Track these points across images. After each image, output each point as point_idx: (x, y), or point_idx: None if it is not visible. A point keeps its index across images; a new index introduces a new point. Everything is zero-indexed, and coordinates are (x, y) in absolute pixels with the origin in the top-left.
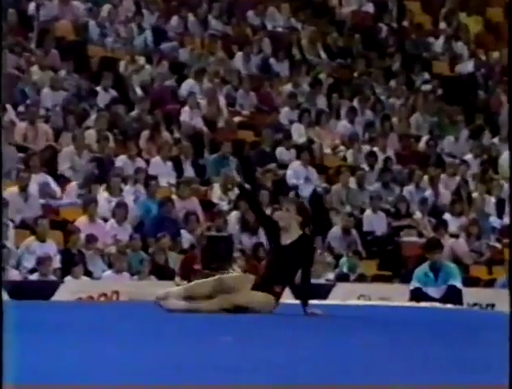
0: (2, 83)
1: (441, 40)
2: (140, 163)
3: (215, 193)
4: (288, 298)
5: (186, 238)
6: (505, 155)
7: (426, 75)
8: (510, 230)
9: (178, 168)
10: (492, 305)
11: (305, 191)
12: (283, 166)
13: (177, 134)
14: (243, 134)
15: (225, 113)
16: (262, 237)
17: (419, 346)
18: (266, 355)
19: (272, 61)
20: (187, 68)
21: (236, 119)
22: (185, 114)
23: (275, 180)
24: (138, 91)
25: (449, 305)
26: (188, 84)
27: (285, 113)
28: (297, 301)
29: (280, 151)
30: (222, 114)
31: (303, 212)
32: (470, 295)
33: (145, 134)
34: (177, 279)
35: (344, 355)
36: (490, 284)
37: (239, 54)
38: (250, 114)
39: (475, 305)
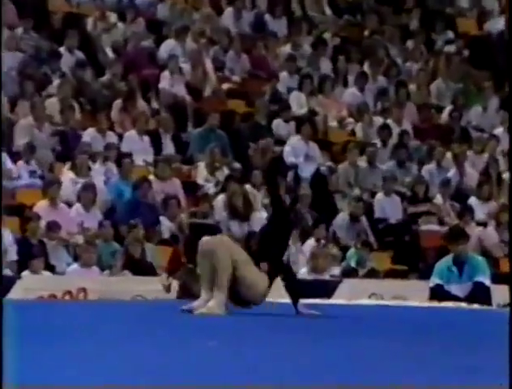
0: None
1: None
2: (111, 138)
3: (200, 173)
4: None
5: (166, 226)
6: None
7: (450, 34)
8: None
9: (156, 144)
10: None
11: (306, 171)
12: (281, 142)
13: (155, 104)
14: (233, 104)
15: (212, 79)
16: (255, 224)
17: (440, 354)
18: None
19: (268, 18)
20: (167, 26)
21: (226, 86)
22: (165, 81)
23: (271, 157)
24: (109, 53)
25: (475, 306)
26: (168, 45)
27: (283, 80)
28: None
29: (277, 124)
30: (208, 81)
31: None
32: (500, 294)
33: (117, 103)
34: (164, 275)
35: (344, 363)
36: None
37: (228, 10)
38: (242, 81)
39: (506, 305)
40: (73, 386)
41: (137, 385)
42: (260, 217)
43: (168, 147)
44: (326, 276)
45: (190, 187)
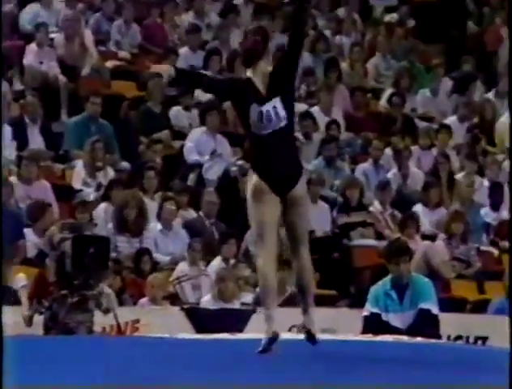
0: None
1: None
2: None
3: (77, 174)
4: None
5: (32, 242)
6: (504, 117)
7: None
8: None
9: (20, 136)
10: (484, 339)
11: (212, 172)
12: (180, 135)
13: (18, 85)
14: (120, 87)
15: (93, 54)
16: (147, 240)
17: None
18: None
19: None
20: None
21: (110, 64)
22: (32, 55)
23: (167, 155)
24: None
25: (419, 339)
26: (34, 11)
27: (184, 56)
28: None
29: (176, 113)
30: (88, 56)
31: None
32: (451, 324)
33: None
34: (25, 303)
35: None
36: (481, 307)
37: None
38: (131, 57)
39: (458, 338)
40: (73, 386)
41: (137, 385)
42: (154, 231)
43: (36, 141)
44: (236, 305)
45: (64, 192)
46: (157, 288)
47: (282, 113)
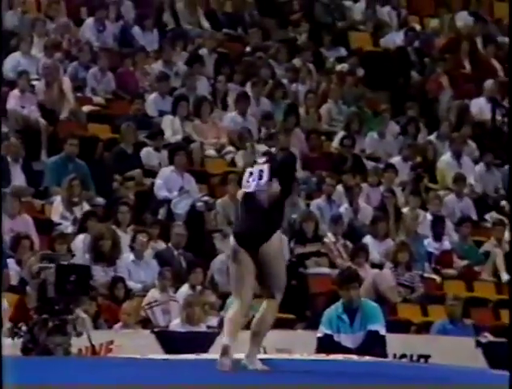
0: None
1: (362, 3)
2: None
3: (56, 209)
4: None
5: (15, 271)
6: (445, 157)
7: (342, 51)
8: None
9: (4, 175)
10: (427, 357)
11: (180, 207)
12: (151, 173)
13: (2, 128)
14: (95, 129)
15: (70, 99)
16: (122, 269)
17: None
18: None
19: (136, 30)
20: (15, 37)
21: (86, 108)
22: (14, 100)
23: (139, 191)
24: None
25: (368, 358)
26: (15, 59)
27: (153, 101)
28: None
29: (147, 153)
30: (66, 101)
31: None
32: (397, 344)
33: None
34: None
35: None
36: (424, 328)
37: (89, 20)
38: (106, 102)
39: (403, 356)
40: (73, 385)
41: (138, 385)
42: (127, 261)
43: (18, 178)
44: (203, 328)
45: (44, 225)
46: (130, 314)
47: (266, 177)
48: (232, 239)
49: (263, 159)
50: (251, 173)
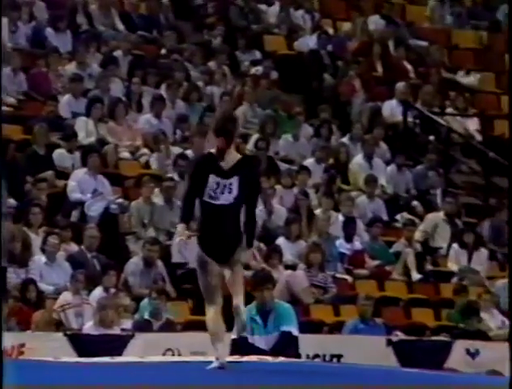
0: None
1: (276, 7)
2: None
3: None
4: None
5: None
6: (357, 158)
7: (256, 54)
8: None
9: None
10: (339, 357)
11: (94, 209)
12: (64, 175)
13: None
14: (7, 130)
15: None
16: (34, 271)
17: None
18: None
19: (49, 31)
20: None
21: None
22: None
23: (52, 193)
24: None
25: (281, 358)
26: None
27: (67, 103)
28: None
29: (59, 155)
30: None
31: None
32: (309, 344)
33: None
34: None
35: None
36: (336, 328)
37: (2, 21)
38: (18, 103)
39: (316, 356)
40: (73, 385)
41: (137, 385)
42: (39, 263)
43: None
44: (116, 330)
45: None
46: (42, 316)
47: (235, 191)
48: (199, 249)
49: (231, 170)
50: (218, 184)
